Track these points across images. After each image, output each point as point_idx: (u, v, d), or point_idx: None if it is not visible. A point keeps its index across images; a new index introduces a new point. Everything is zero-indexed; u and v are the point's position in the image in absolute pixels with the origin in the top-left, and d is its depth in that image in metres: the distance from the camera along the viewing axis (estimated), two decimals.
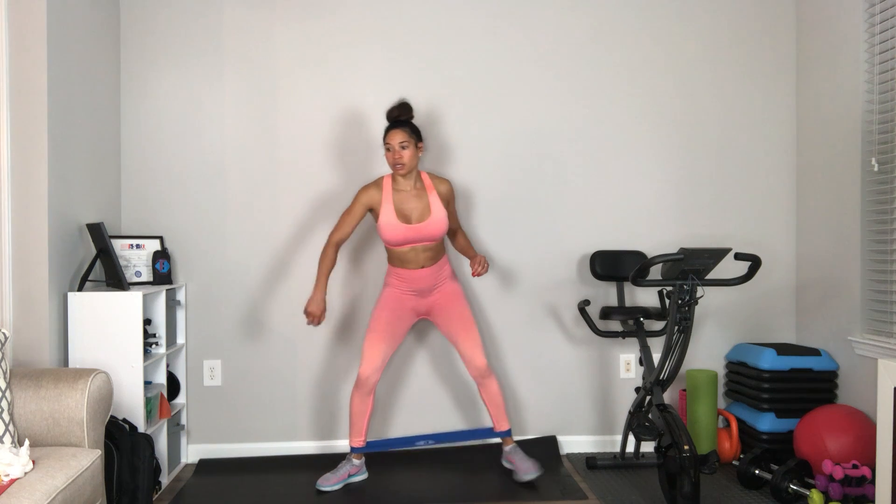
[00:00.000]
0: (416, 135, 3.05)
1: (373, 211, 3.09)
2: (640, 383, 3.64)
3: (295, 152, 3.54)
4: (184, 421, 3.51)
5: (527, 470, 3.12)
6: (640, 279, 2.84)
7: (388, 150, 3.02)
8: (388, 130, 3.03)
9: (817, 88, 3.51)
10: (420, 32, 3.57)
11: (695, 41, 3.65)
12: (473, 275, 3.07)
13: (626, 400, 3.67)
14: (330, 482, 3.11)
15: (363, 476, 3.21)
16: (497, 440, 3.52)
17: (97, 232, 2.93)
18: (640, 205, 3.65)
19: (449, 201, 3.16)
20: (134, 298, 2.86)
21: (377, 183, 3.09)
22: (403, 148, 3.00)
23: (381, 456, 3.46)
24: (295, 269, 3.54)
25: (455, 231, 3.30)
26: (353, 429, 3.13)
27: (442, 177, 3.25)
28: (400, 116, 3.06)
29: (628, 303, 3.66)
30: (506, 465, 3.25)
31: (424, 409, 3.60)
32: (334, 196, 3.55)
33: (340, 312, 3.56)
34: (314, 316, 3.01)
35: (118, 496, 2.56)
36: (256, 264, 3.53)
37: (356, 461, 3.17)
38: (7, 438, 2.17)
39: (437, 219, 3.05)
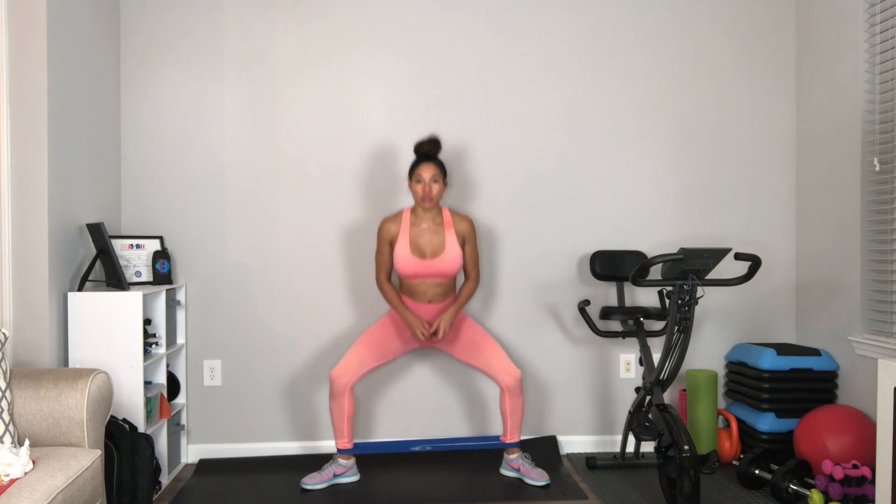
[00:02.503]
0: (444, 170, 3.09)
1: (391, 243, 3.13)
2: (640, 383, 3.64)
3: (295, 153, 3.54)
4: (184, 421, 3.51)
5: (539, 476, 3.12)
6: (640, 279, 2.84)
7: (417, 182, 3.04)
8: (418, 163, 3.06)
9: (817, 88, 3.51)
10: (421, 35, 3.57)
11: (694, 41, 3.65)
12: (429, 331, 3.07)
13: (626, 400, 3.67)
14: (314, 480, 3.11)
15: (353, 477, 3.19)
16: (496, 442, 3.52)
17: (97, 232, 2.93)
18: (640, 205, 3.65)
19: (467, 240, 3.14)
20: (134, 298, 2.86)
21: (396, 217, 3.13)
22: (434, 182, 3.03)
23: (377, 456, 3.46)
24: (295, 269, 3.54)
25: (468, 276, 3.18)
26: (334, 432, 3.14)
27: (464, 214, 3.22)
28: (430, 151, 3.08)
29: (628, 303, 3.66)
30: (508, 472, 3.24)
31: (424, 413, 3.60)
32: (334, 196, 3.55)
33: (348, 318, 3.57)
34: (424, 329, 3.07)
35: (118, 496, 2.56)
36: (256, 264, 3.53)
37: (343, 461, 3.16)
38: (7, 438, 2.17)
39: (451, 256, 3.07)
